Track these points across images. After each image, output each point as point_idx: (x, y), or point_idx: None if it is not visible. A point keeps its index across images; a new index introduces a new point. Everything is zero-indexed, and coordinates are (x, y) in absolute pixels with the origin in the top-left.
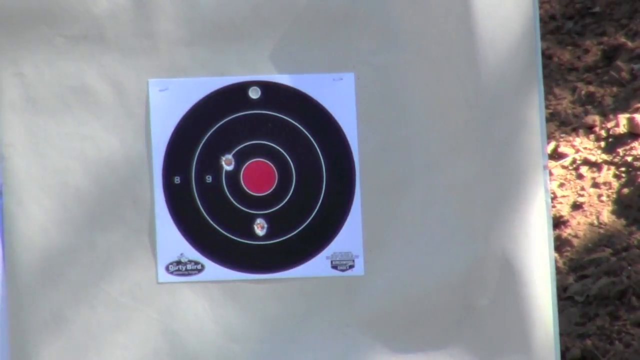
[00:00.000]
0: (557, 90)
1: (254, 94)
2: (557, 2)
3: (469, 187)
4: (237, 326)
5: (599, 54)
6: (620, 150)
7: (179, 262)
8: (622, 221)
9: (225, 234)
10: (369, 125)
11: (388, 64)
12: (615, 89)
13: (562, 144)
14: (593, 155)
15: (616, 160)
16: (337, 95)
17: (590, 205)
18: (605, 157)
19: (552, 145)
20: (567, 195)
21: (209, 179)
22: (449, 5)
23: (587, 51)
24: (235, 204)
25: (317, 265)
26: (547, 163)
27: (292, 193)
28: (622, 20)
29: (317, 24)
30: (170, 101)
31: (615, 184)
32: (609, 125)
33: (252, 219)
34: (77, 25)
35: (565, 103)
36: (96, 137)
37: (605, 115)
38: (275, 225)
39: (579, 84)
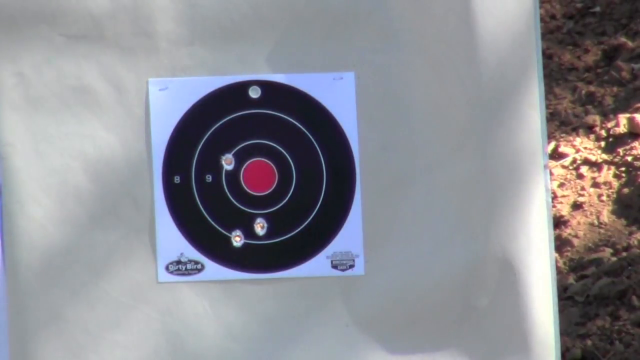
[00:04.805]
0: (557, 90)
1: (254, 93)
2: (557, 1)
3: (469, 187)
4: (237, 326)
5: (599, 53)
6: (621, 150)
7: (178, 262)
8: (622, 221)
9: (225, 233)
10: (369, 124)
11: (388, 63)
12: (615, 89)
13: (562, 143)
14: (593, 155)
15: (616, 160)
16: (337, 94)
17: (591, 205)
18: (605, 157)
19: (552, 145)
20: (567, 195)
21: (209, 178)
22: (449, 5)
23: (587, 51)
24: (235, 203)
25: (317, 265)
26: (548, 163)
27: (292, 193)
28: (622, 20)
29: (317, 23)
30: (170, 100)
31: (616, 184)
32: (609, 125)
33: (252, 218)
34: (77, 25)
35: (566, 103)
36: (96, 137)
37: (605, 115)
38: (276, 224)
39: (579, 84)
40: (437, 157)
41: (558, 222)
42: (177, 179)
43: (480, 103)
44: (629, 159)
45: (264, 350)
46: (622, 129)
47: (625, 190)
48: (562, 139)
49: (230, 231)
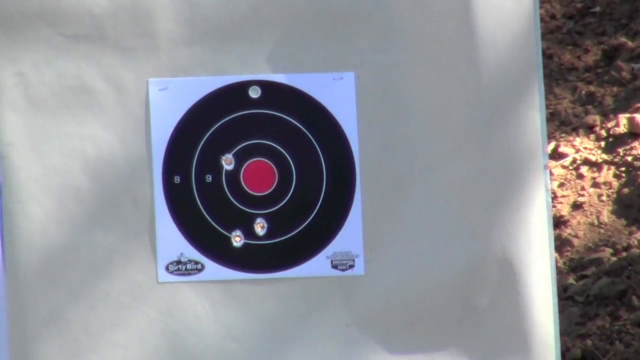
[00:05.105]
0: (557, 90)
1: (254, 93)
2: (557, 1)
3: (469, 187)
4: (237, 326)
5: (599, 53)
6: (621, 150)
7: (178, 262)
8: (622, 221)
9: (225, 233)
10: (369, 124)
11: (388, 63)
12: (615, 89)
13: (562, 143)
14: (593, 155)
15: (616, 160)
16: (337, 94)
17: (591, 205)
18: (605, 157)
19: (552, 145)
20: (567, 195)
21: (209, 178)
22: (449, 5)
23: (587, 51)
24: (235, 203)
25: (317, 265)
26: (547, 163)
27: (292, 193)
28: (622, 20)
29: (317, 23)
30: (170, 100)
31: (616, 184)
32: (609, 125)
33: (252, 218)
34: (77, 25)
35: (566, 103)
36: (96, 137)
37: (605, 115)
38: (276, 224)
39: (579, 84)
40: (437, 157)
41: (558, 222)
42: (177, 179)
43: (480, 103)
44: (629, 159)
45: (264, 350)
46: (622, 129)
47: (625, 190)
48: (562, 139)
49: (230, 231)
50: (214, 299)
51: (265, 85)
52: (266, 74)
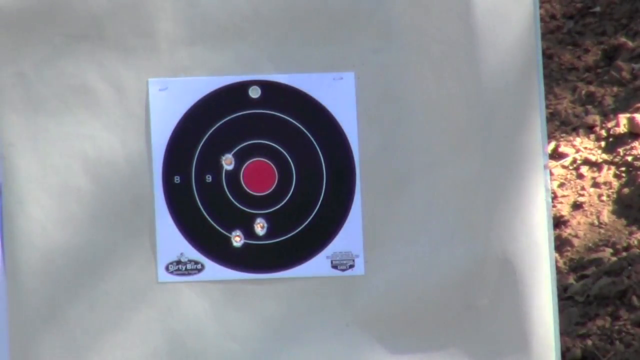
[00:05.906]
0: (557, 90)
1: (254, 93)
2: (557, 1)
3: (469, 186)
4: (237, 326)
5: (599, 53)
6: (621, 150)
7: (178, 262)
8: (622, 221)
9: (225, 233)
10: (369, 124)
11: (388, 63)
12: (615, 89)
13: (562, 143)
14: (593, 155)
15: (616, 160)
16: (337, 94)
17: (591, 205)
18: (605, 156)
19: (552, 145)
20: (568, 195)
21: (209, 178)
22: (449, 5)
23: (587, 51)
24: (236, 203)
25: (317, 265)
26: (548, 163)
27: (292, 193)
28: (622, 20)
29: (317, 23)
30: (170, 100)
31: (616, 184)
32: (609, 125)
33: (252, 218)
34: (77, 25)
35: (566, 103)
36: (96, 137)
37: (605, 115)
38: (275, 224)
39: (579, 84)
40: (437, 157)
41: (558, 222)
42: (177, 179)
43: (480, 103)
44: (629, 159)
45: (264, 350)
46: (622, 129)
47: (625, 190)
48: (562, 139)
49: (230, 231)
50: (214, 299)
51: (265, 85)
52: (266, 74)
